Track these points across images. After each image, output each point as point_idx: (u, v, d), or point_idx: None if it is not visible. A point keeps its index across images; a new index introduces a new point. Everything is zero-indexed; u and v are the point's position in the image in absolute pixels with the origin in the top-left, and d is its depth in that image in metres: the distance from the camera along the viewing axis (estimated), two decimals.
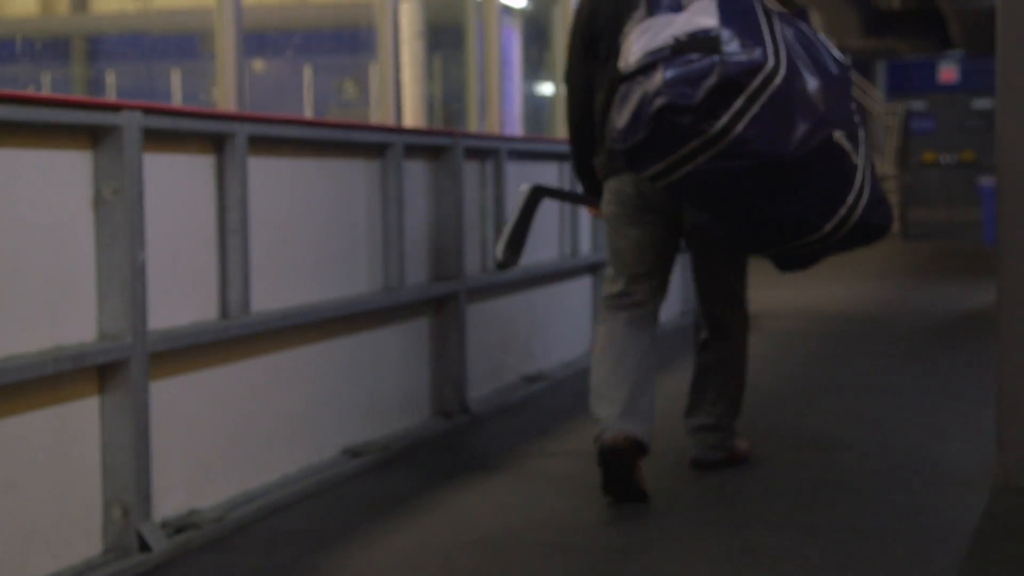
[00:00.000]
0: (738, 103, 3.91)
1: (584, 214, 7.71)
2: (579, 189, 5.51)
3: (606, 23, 4.54)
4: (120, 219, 3.69)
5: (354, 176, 5.16)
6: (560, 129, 8.54)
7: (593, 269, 7.85)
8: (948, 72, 23.01)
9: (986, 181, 17.32)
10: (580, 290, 7.71)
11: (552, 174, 7.33)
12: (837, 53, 4.29)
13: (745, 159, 3.95)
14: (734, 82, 3.90)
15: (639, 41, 4.07)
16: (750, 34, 3.99)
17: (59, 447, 3.57)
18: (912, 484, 4.61)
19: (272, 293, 4.55)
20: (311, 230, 4.84)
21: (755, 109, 3.92)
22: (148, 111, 3.81)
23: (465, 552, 3.86)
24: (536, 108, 9.91)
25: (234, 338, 4.30)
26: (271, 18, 8.83)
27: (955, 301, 10.99)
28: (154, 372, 3.87)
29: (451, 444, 5.45)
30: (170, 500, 3.99)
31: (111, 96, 7.14)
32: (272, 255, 4.56)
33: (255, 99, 5.16)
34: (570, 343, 7.50)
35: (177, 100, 7.49)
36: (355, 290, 5.14)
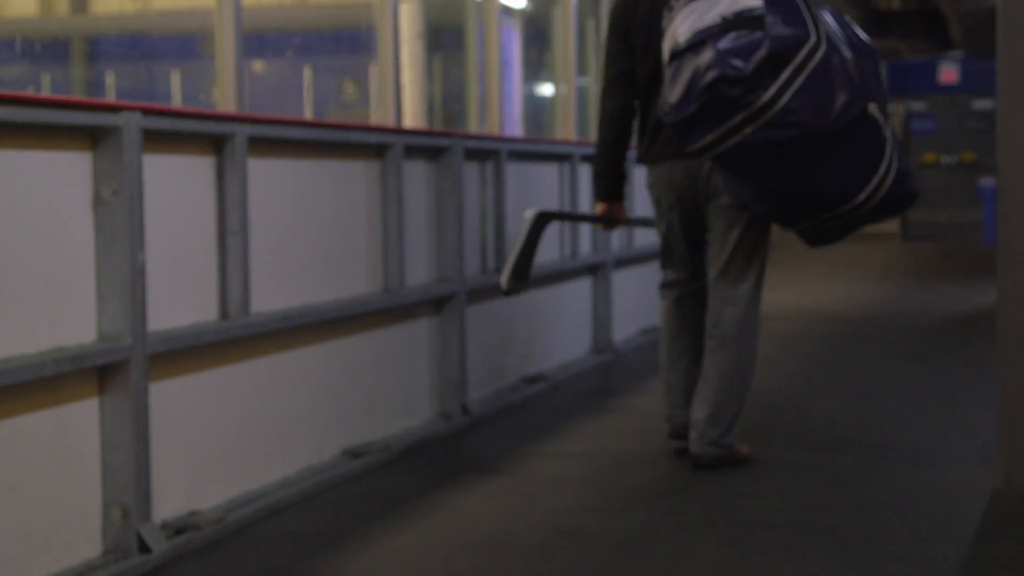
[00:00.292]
0: (785, 74, 4.19)
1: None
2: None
3: (644, 16, 4.82)
4: (120, 220, 3.68)
5: (354, 177, 5.16)
6: (560, 130, 8.53)
7: (593, 270, 7.84)
8: (948, 73, 22.99)
9: (986, 182, 17.32)
10: (580, 291, 7.71)
11: (552, 175, 7.33)
12: (863, 32, 4.54)
13: (790, 128, 4.22)
14: (782, 55, 4.19)
15: (686, 22, 4.33)
16: (791, 13, 4.28)
17: (59, 448, 3.57)
18: (912, 485, 4.61)
19: (272, 294, 4.55)
20: (311, 231, 4.83)
21: (800, 81, 4.20)
22: (148, 112, 3.81)
23: (465, 553, 3.86)
24: (536, 109, 9.90)
25: (234, 339, 4.30)
26: (271, 19, 8.83)
27: (955, 302, 10.98)
28: (154, 373, 3.87)
29: (451, 445, 5.45)
30: (170, 501, 3.98)
31: (111, 97, 7.13)
32: (272, 256, 4.56)
33: (255, 100, 5.15)
34: (570, 344, 7.50)
35: (177, 101, 7.48)
36: (355, 291, 5.13)
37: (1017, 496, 4.35)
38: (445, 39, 8.63)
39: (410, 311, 5.57)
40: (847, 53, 4.34)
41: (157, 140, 3.94)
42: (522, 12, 9.46)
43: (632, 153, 5.31)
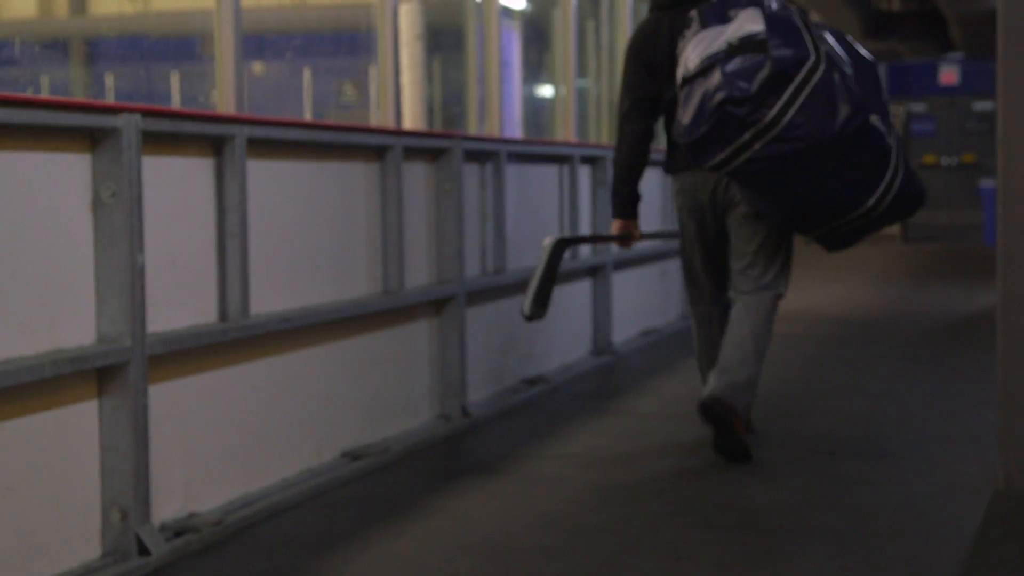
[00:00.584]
0: (787, 92, 4.48)
1: (584, 216, 7.71)
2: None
3: (665, 48, 5.13)
4: (119, 222, 3.68)
5: (354, 178, 5.15)
6: (559, 131, 8.53)
7: (593, 272, 7.84)
8: (949, 74, 22.98)
9: (987, 183, 17.31)
10: (580, 293, 7.70)
11: (552, 176, 7.32)
12: (863, 49, 4.83)
13: (796, 142, 4.50)
14: (783, 74, 4.48)
15: (696, 49, 4.67)
16: (792, 35, 4.58)
17: (58, 450, 3.56)
18: (913, 486, 4.60)
19: (271, 296, 4.54)
20: (310, 232, 4.83)
21: (802, 98, 4.48)
22: (147, 113, 3.81)
23: (465, 555, 3.85)
24: (536, 110, 9.90)
25: (233, 341, 4.29)
26: (270, 20, 8.83)
27: (956, 304, 10.98)
28: (153, 375, 3.86)
29: (451, 447, 5.44)
30: (169, 503, 3.98)
31: (110, 99, 7.13)
32: (271, 258, 4.55)
33: (254, 101, 5.14)
34: (570, 346, 7.49)
35: (176, 103, 7.48)
36: (355, 293, 5.13)
37: (1017, 498, 4.35)
38: (445, 40, 8.63)
39: (410, 313, 5.56)
40: (847, 69, 4.59)
41: (156, 142, 3.94)
42: (522, 13, 9.46)
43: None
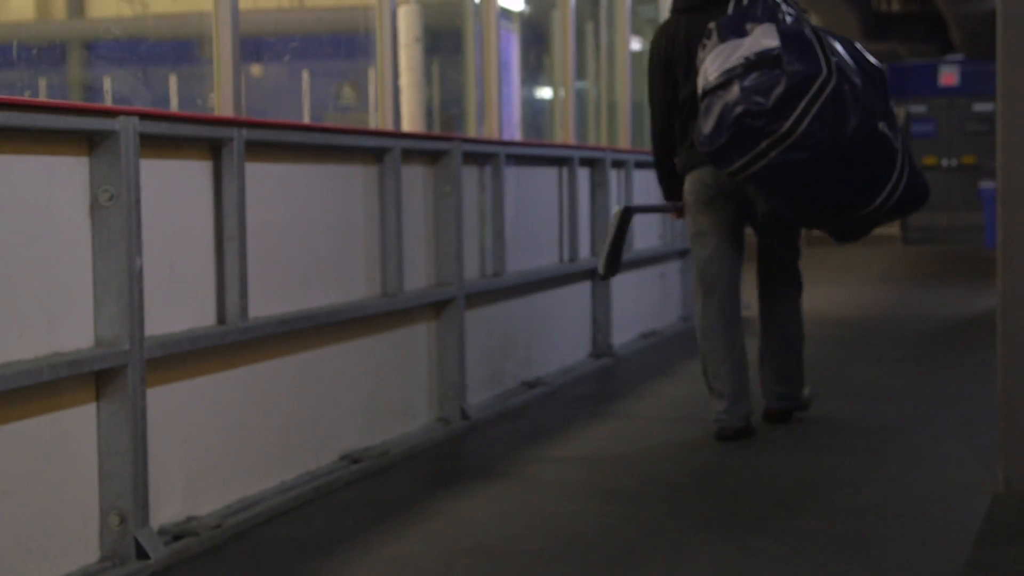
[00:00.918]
0: (801, 105, 4.80)
1: (585, 218, 7.70)
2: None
3: (682, 50, 5.47)
4: (117, 225, 3.67)
5: (352, 181, 5.15)
6: (558, 133, 8.53)
7: (593, 274, 7.83)
8: (949, 76, 22.98)
9: (987, 185, 17.31)
10: (579, 295, 7.69)
11: (551, 178, 7.32)
12: (872, 57, 5.17)
13: (809, 151, 4.83)
14: (798, 88, 4.81)
15: (715, 63, 4.98)
16: (805, 50, 4.89)
17: (56, 454, 3.55)
18: (912, 489, 4.60)
19: (270, 299, 4.54)
20: (309, 235, 4.82)
21: (815, 109, 4.81)
22: (145, 116, 3.80)
23: (465, 558, 3.85)
24: (535, 112, 9.89)
25: (231, 344, 4.28)
26: (268, 23, 8.82)
27: (956, 305, 10.98)
28: (151, 378, 3.85)
29: (450, 450, 5.44)
30: (167, 507, 3.97)
31: (108, 101, 7.12)
32: (270, 260, 4.55)
33: (252, 104, 5.13)
34: (569, 349, 7.49)
35: (174, 105, 7.46)
36: (353, 295, 5.12)
37: (1017, 500, 4.34)
38: (443, 42, 8.62)
39: (409, 315, 5.56)
40: (857, 80, 4.92)
41: (154, 144, 3.93)
42: (521, 15, 9.45)
43: None
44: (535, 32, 9.61)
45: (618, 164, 8.38)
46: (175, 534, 3.91)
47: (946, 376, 7.20)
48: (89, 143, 3.68)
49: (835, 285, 12.47)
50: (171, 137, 4.01)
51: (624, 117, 9.41)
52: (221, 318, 4.28)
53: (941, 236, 20.90)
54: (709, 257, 5.53)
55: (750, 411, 5.48)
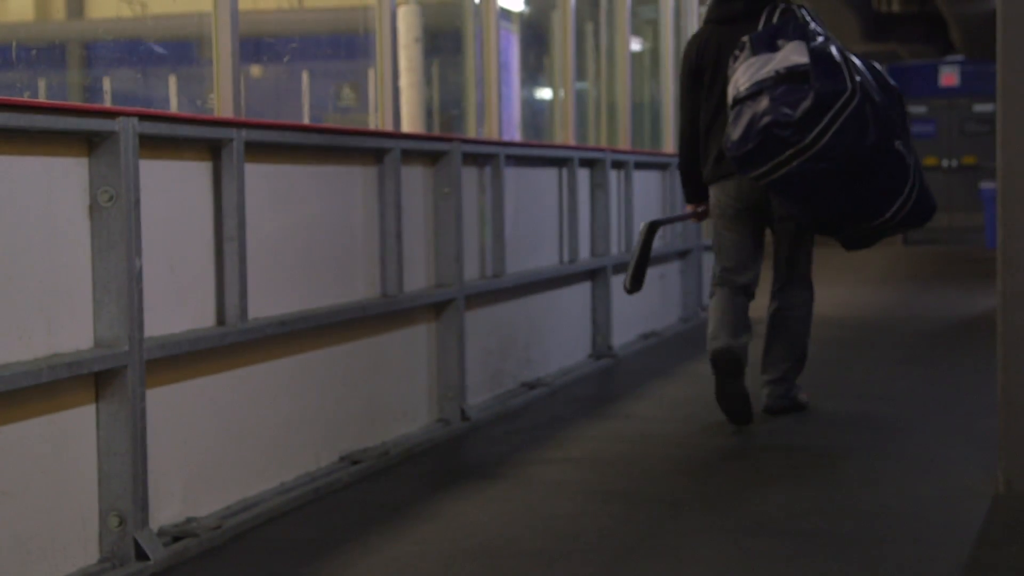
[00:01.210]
0: (826, 119, 5.12)
1: (584, 219, 7.70)
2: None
3: (711, 59, 5.76)
4: (116, 226, 3.67)
5: (352, 182, 5.14)
6: (558, 134, 8.52)
7: (592, 275, 7.83)
8: (949, 76, 22.97)
9: (987, 185, 17.31)
10: (579, 296, 7.69)
11: (551, 179, 7.32)
12: (890, 78, 5.52)
13: (830, 162, 5.16)
14: (823, 103, 5.13)
15: (746, 73, 5.29)
16: (832, 69, 5.22)
17: (55, 455, 3.55)
18: (913, 490, 4.59)
19: (269, 300, 4.53)
20: (309, 236, 4.82)
21: (838, 124, 5.13)
22: (144, 117, 3.80)
23: (464, 559, 3.84)
24: (535, 113, 9.88)
25: (231, 345, 4.28)
26: (268, 23, 8.81)
27: (956, 306, 10.97)
28: (151, 379, 3.85)
29: (450, 451, 5.43)
30: (167, 508, 3.97)
31: (107, 102, 7.11)
32: (269, 261, 4.54)
33: (252, 105, 5.13)
34: (569, 349, 7.48)
35: (174, 106, 7.46)
36: (353, 296, 5.12)
37: (1018, 501, 4.34)
38: (443, 43, 8.61)
39: (409, 316, 5.56)
40: (877, 98, 5.26)
41: (154, 145, 3.93)
42: (520, 16, 9.44)
43: None
44: (535, 33, 9.60)
45: (618, 165, 8.38)
46: (175, 535, 3.91)
47: (946, 376, 7.20)
48: (88, 144, 3.67)
49: (836, 285, 12.46)
50: (171, 138, 4.01)
51: (624, 118, 9.41)
52: (221, 319, 4.28)
53: (941, 237, 20.89)
54: (731, 268, 5.78)
55: (745, 343, 5.70)
